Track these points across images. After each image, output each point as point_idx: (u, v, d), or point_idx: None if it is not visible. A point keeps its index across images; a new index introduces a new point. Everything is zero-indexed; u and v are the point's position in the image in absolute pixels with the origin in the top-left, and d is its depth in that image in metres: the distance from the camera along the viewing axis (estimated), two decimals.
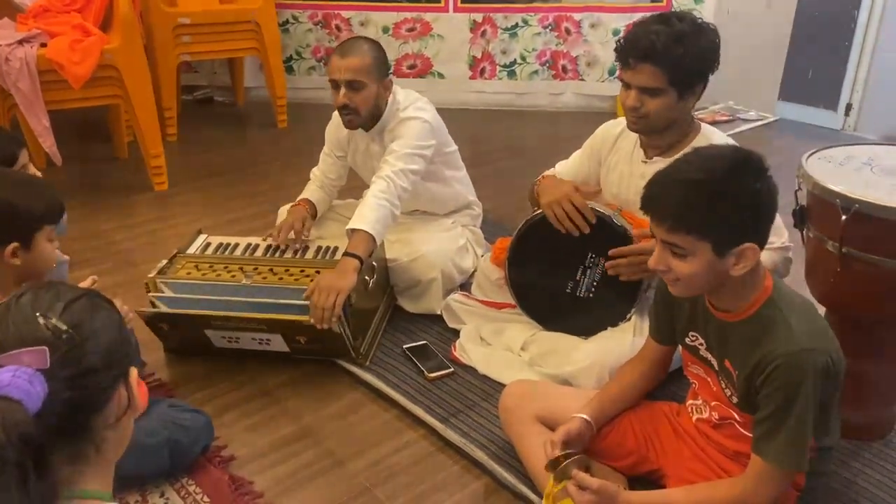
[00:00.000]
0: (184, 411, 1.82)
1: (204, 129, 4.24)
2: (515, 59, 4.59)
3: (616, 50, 1.89)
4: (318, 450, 1.90)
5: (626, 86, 1.88)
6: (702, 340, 1.55)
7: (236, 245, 2.34)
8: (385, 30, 4.53)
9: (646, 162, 2.00)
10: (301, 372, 2.17)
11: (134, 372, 0.97)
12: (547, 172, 2.25)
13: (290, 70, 4.61)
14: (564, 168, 2.24)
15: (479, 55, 4.59)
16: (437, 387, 2.09)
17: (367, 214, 2.16)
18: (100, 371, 0.89)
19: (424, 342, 2.26)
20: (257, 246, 2.33)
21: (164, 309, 2.09)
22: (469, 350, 2.18)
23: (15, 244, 1.58)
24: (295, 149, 3.94)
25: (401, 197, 2.24)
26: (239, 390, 2.11)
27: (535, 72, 4.61)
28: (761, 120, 4.54)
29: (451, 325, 2.33)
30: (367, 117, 2.32)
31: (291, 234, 2.32)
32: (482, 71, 4.63)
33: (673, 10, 4.37)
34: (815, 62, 4.43)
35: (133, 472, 1.71)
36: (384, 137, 2.35)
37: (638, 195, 1.51)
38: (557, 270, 2.08)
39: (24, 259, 1.60)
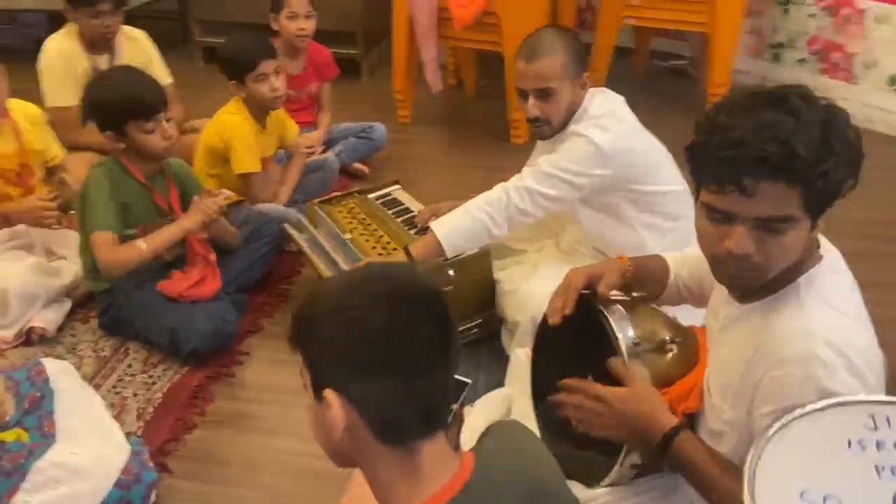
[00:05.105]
0: (216, 313, 2.02)
1: None
2: None
3: (725, 159, 1.04)
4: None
5: (725, 217, 1.07)
6: None
7: (399, 205, 2.32)
8: None
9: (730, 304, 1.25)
10: None
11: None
12: (675, 253, 1.57)
13: (776, 58, 3.92)
14: (692, 252, 1.52)
15: None
16: None
17: (454, 221, 1.91)
18: None
19: (469, 381, 1.90)
20: (410, 215, 2.26)
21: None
22: (470, 420, 1.74)
23: (108, 132, 1.96)
24: None
25: (512, 217, 1.88)
26: None
27: None
28: None
29: (506, 379, 1.89)
30: (559, 126, 1.93)
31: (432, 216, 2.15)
32: None
33: None
34: None
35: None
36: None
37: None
38: (574, 375, 1.49)
39: (129, 144, 1.98)
